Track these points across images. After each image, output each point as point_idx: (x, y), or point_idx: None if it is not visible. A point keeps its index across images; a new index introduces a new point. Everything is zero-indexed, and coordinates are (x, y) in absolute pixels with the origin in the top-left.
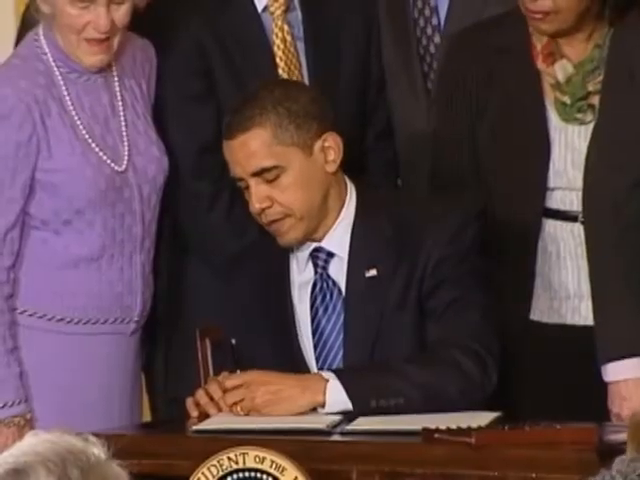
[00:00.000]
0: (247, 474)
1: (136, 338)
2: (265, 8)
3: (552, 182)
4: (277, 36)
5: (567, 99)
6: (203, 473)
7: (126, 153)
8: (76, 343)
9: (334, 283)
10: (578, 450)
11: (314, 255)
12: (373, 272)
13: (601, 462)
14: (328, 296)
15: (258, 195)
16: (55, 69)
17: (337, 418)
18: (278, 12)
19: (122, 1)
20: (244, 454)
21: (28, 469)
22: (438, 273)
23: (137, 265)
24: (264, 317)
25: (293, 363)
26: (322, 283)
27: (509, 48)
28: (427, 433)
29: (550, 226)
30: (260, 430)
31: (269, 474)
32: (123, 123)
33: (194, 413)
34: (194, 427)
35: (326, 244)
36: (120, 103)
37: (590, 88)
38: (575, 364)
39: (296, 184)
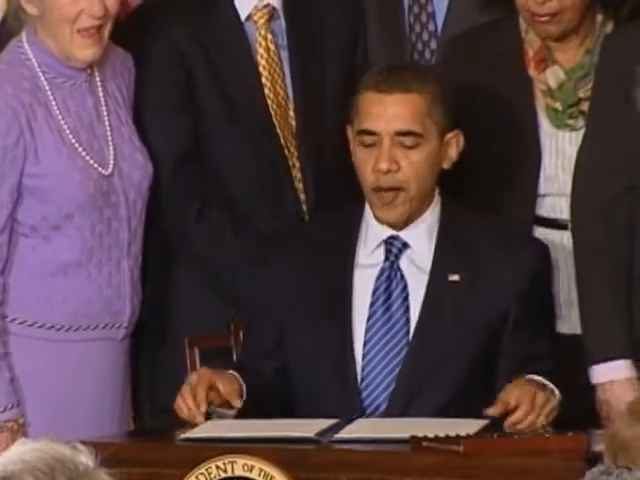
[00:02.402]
0: None
1: (126, 344)
2: (249, 17)
3: (543, 188)
4: (260, 45)
5: (558, 105)
6: None
7: (112, 158)
8: (67, 350)
9: (402, 276)
10: (567, 459)
11: (389, 242)
12: (456, 277)
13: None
14: (393, 285)
15: (390, 154)
16: (40, 74)
17: (326, 425)
18: (262, 21)
19: None
20: (232, 462)
21: (15, 478)
22: (524, 307)
23: (125, 271)
24: (317, 291)
25: (342, 343)
26: (390, 272)
27: (501, 54)
28: (416, 441)
29: (540, 234)
30: (248, 439)
31: None
32: (108, 128)
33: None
34: (182, 435)
35: (404, 235)
36: (104, 108)
37: (581, 94)
38: (564, 373)
39: (425, 161)
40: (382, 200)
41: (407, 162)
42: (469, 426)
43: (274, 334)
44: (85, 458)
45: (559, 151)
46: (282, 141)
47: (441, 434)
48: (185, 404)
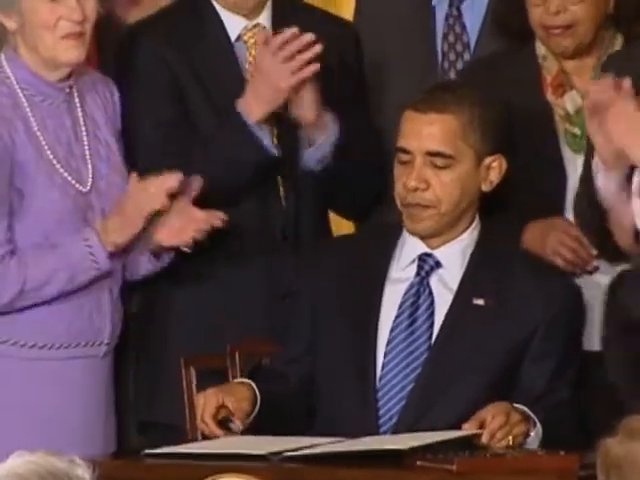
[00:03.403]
0: None
1: (108, 361)
2: (238, 37)
3: (570, 214)
4: (251, 64)
5: (577, 130)
6: None
7: (90, 176)
8: (50, 368)
9: (430, 293)
10: (559, 478)
11: (422, 258)
12: (480, 302)
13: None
14: (421, 301)
15: (420, 174)
16: (19, 91)
17: (301, 444)
18: (252, 41)
19: None
20: None
21: None
22: (545, 343)
23: (104, 288)
24: (350, 301)
25: (365, 348)
26: (419, 287)
27: (520, 80)
28: (409, 460)
29: None
30: (207, 454)
31: None
32: (86, 148)
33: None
34: (146, 450)
35: (438, 254)
36: (83, 129)
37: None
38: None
39: (456, 182)
40: (409, 214)
41: (437, 181)
42: (456, 433)
43: (306, 338)
44: (81, 471)
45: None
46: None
47: (430, 441)
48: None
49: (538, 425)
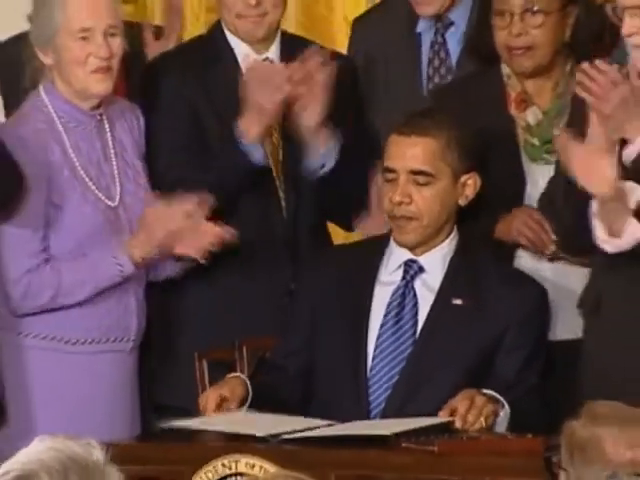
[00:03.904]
0: (239, 478)
1: (134, 356)
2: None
3: None
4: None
5: (536, 141)
6: (200, 477)
7: (118, 193)
8: (82, 361)
9: (414, 294)
10: (527, 458)
11: (407, 264)
12: (459, 302)
13: (547, 468)
14: (406, 301)
15: (404, 190)
16: (56, 119)
17: (299, 427)
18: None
19: (114, 33)
20: (236, 461)
21: (33, 476)
22: (516, 338)
23: (131, 291)
24: (346, 302)
25: (358, 342)
26: (405, 289)
27: (487, 97)
28: (395, 442)
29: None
30: (214, 432)
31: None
32: (115, 168)
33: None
34: (164, 425)
35: (422, 260)
36: (112, 151)
37: (556, 131)
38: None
39: (436, 197)
40: (397, 226)
41: (419, 196)
42: (430, 420)
43: (305, 334)
44: (97, 455)
45: (534, 183)
46: (272, 167)
47: (407, 428)
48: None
49: (506, 406)
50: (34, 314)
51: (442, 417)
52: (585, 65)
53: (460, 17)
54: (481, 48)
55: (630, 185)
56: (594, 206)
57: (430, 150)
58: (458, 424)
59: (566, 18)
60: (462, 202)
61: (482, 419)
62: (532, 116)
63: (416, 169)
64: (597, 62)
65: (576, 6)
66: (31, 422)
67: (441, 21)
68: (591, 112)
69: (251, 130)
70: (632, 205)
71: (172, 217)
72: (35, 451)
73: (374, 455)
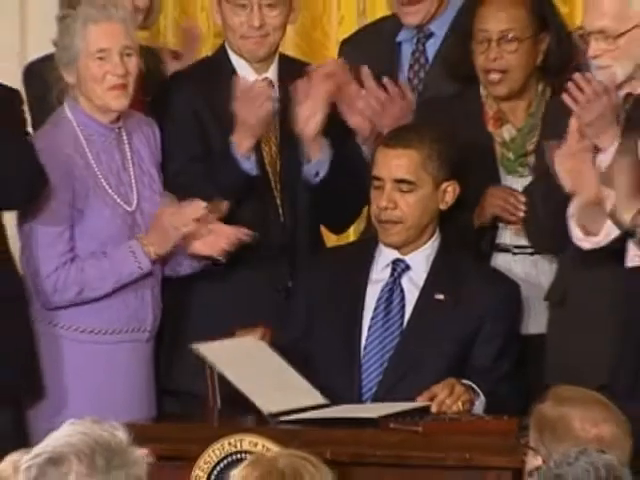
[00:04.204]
0: (243, 455)
1: (151, 345)
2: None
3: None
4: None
5: (511, 155)
6: (209, 455)
7: (135, 199)
8: (104, 349)
9: (401, 290)
10: (503, 437)
11: (395, 262)
12: (441, 297)
13: (524, 445)
14: (394, 296)
15: (389, 196)
16: (79, 132)
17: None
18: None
19: (130, 53)
20: (241, 440)
21: (63, 458)
22: (492, 329)
23: (147, 287)
24: (341, 296)
25: (351, 334)
26: (393, 286)
27: (467, 114)
28: (384, 423)
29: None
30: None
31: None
32: (132, 177)
33: None
34: (194, 346)
35: (408, 259)
36: (130, 161)
37: (528, 147)
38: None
39: (418, 203)
40: (382, 229)
41: (403, 202)
42: (408, 405)
43: (302, 327)
44: (120, 436)
45: None
46: (270, 176)
47: (390, 411)
48: None
49: (482, 396)
50: (63, 307)
51: (421, 401)
52: (577, 75)
53: (439, 29)
54: (461, 70)
55: (606, 191)
56: (571, 209)
57: (413, 161)
58: (434, 409)
59: (539, 45)
60: (443, 207)
61: (459, 404)
62: (507, 133)
63: (400, 178)
64: (587, 74)
65: (548, 34)
66: (62, 402)
67: (422, 32)
68: (572, 119)
69: (241, 143)
70: (608, 209)
71: (183, 220)
72: (64, 435)
73: (365, 435)
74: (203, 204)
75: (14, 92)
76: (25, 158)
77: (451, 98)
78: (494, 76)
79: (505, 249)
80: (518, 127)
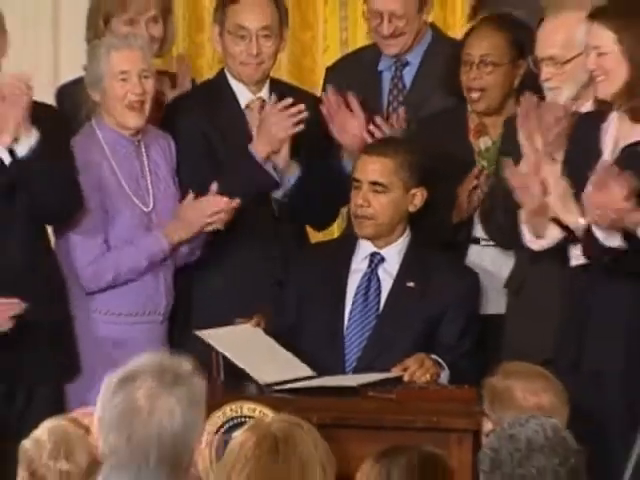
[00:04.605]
0: (244, 419)
1: (165, 326)
2: (247, 106)
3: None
4: (254, 124)
5: (485, 163)
6: (214, 419)
7: (151, 201)
8: (124, 329)
9: (378, 279)
10: (466, 403)
11: (372, 255)
12: (412, 284)
13: (480, 412)
14: (372, 284)
15: (364, 196)
16: (104, 144)
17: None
18: (256, 109)
19: (147, 76)
20: (241, 406)
21: (137, 376)
22: (456, 311)
23: (161, 276)
24: (326, 285)
25: (335, 317)
26: (370, 275)
27: (454, 127)
28: (363, 392)
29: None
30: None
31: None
32: (149, 182)
33: None
34: (198, 332)
35: (383, 252)
36: (147, 169)
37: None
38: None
39: (389, 204)
40: (357, 223)
41: (376, 202)
42: (375, 376)
43: (295, 312)
44: (186, 366)
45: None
46: None
47: (368, 380)
48: None
49: (446, 369)
50: (100, 292)
51: (395, 372)
52: (547, 102)
53: (415, 58)
54: (457, 89)
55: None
56: (522, 215)
57: (387, 167)
58: (406, 378)
59: (516, 69)
60: (411, 209)
61: (428, 376)
62: (483, 143)
63: (374, 180)
64: (551, 101)
65: (525, 61)
66: (94, 378)
67: (400, 61)
68: (524, 142)
69: (261, 151)
70: (550, 216)
71: (206, 214)
72: (141, 360)
73: (346, 402)
74: (224, 198)
75: (59, 113)
76: (68, 183)
77: (445, 112)
78: (474, 94)
79: (477, 241)
80: (494, 139)
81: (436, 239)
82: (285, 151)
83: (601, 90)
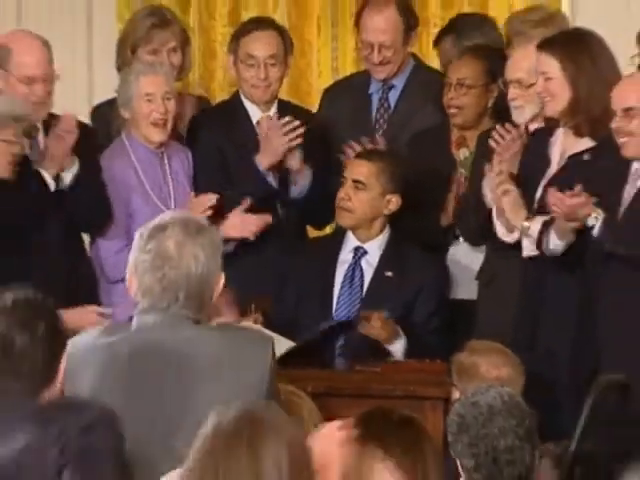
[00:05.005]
0: None
1: None
2: (257, 122)
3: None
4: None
5: (463, 170)
6: None
7: (172, 204)
8: None
9: (361, 269)
10: (437, 375)
11: (356, 248)
12: (390, 274)
13: (450, 383)
14: (356, 274)
15: (347, 191)
16: (132, 155)
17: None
18: (267, 122)
19: (169, 97)
20: None
21: (166, 226)
22: (426, 295)
23: None
24: (318, 274)
25: (326, 302)
26: (354, 266)
27: (442, 140)
28: (351, 366)
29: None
30: None
31: None
32: (170, 187)
33: None
34: None
35: (366, 246)
36: (169, 177)
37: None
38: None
39: (366, 201)
40: (338, 213)
41: (355, 198)
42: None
43: (294, 299)
44: (204, 220)
45: None
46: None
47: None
48: None
49: (403, 339)
50: (118, 282)
51: (362, 319)
52: (498, 127)
53: (399, 82)
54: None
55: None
56: (494, 213)
57: (368, 170)
58: (362, 330)
59: (489, 92)
60: (386, 212)
61: (383, 333)
62: (462, 154)
63: (356, 179)
64: (507, 125)
65: (497, 85)
66: None
67: (386, 85)
68: (494, 161)
69: (265, 162)
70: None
71: (198, 208)
72: (164, 215)
73: (337, 374)
74: (214, 196)
75: (89, 128)
76: (100, 201)
77: (432, 128)
78: (452, 110)
79: (457, 237)
80: (471, 150)
81: (426, 240)
82: (297, 158)
83: (548, 109)
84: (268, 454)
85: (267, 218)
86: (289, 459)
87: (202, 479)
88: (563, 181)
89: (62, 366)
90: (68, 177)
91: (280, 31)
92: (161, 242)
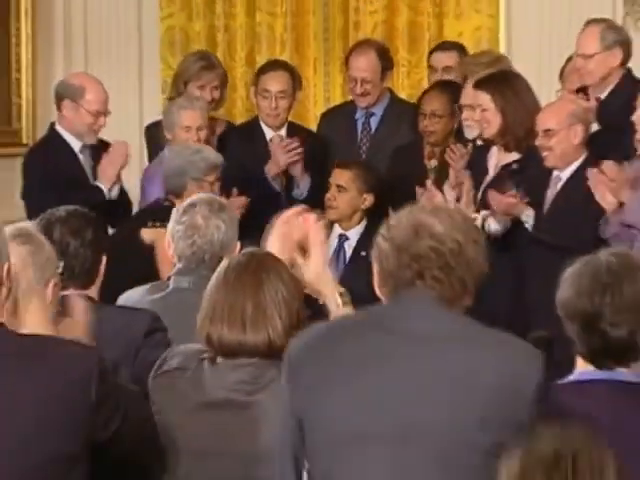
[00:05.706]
0: None
1: None
2: (271, 140)
3: None
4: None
5: (432, 176)
6: None
7: None
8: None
9: (344, 251)
10: None
11: (340, 235)
12: (364, 253)
13: None
14: (340, 254)
15: (332, 193)
16: None
17: None
18: (276, 141)
19: (202, 128)
20: None
21: (195, 203)
22: None
23: None
24: None
25: None
26: (339, 248)
27: (415, 153)
28: None
29: None
30: None
31: None
32: None
33: None
34: None
35: (347, 233)
36: None
37: (448, 197)
38: None
39: (347, 201)
40: (327, 210)
41: (339, 198)
42: None
43: None
44: (224, 200)
45: None
46: (282, 192)
47: None
48: None
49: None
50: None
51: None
52: (452, 146)
53: (378, 110)
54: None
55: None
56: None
57: (347, 176)
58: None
59: (454, 118)
60: (363, 207)
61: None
62: (432, 164)
63: (338, 184)
64: (458, 145)
65: (461, 113)
66: None
67: (368, 112)
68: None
69: (272, 171)
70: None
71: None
72: (195, 196)
73: None
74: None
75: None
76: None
77: (409, 144)
78: (427, 134)
79: None
80: (438, 162)
81: None
82: (299, 168)
83: (485, 133)
84: (268, 280)
85: (243, 200)
86: (285, 289)
87: (214, 304)
88: (498, 185)
89: (102, 267)
90: (114, 193)
91: (291, 72)
92: (192, 216)
